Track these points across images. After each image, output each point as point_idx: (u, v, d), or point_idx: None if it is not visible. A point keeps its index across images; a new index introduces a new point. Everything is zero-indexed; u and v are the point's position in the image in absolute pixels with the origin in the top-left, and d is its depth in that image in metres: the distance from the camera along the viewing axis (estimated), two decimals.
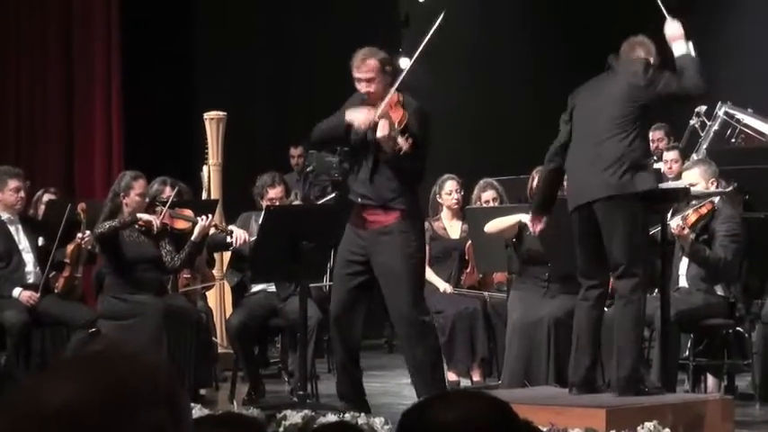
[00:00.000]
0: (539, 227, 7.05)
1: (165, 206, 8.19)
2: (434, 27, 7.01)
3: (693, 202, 7.74)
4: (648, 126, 6.63)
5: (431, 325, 7.18)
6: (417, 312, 6.98)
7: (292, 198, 9.05)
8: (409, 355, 7.01)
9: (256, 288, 8.39)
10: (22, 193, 8.48)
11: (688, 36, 6.60)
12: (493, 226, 8.14)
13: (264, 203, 8.17)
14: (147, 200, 8.20)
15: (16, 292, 8.23)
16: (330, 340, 8.95)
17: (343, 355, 7.12)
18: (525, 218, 7.78)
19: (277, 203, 8.16)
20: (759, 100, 11.04)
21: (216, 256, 9.59)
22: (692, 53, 6.57)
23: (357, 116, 6.87)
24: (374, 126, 6.82)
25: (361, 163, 6.96)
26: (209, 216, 8.25)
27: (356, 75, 6.96)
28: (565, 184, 7.04)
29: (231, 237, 8.32)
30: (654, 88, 6.55)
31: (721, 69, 12.82)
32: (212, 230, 8.48)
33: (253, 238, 8.00)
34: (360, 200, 6.95)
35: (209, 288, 9.65)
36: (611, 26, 13.66)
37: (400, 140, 6.69)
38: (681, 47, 6.60)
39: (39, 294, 8.22)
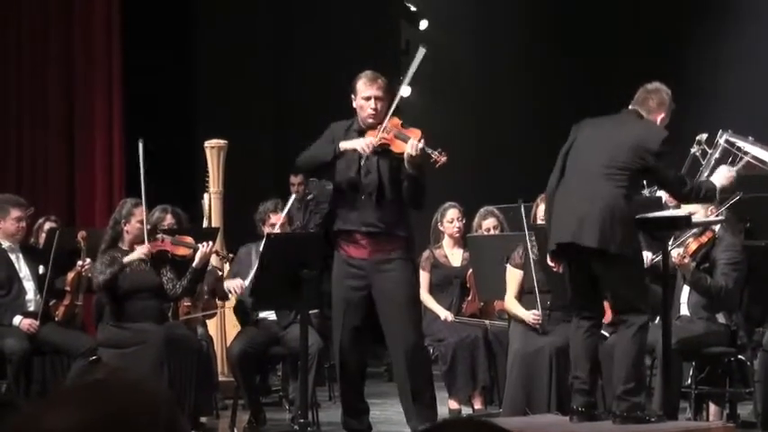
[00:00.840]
0: (561, 266, 7.10)
1: (165, 234, 8.20)
2: (417, 62, 6.99)
3: (694, 231, 7.75)
4: (639, 188, 6.75)
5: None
6: (422, 339, 7.09)
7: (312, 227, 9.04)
8: (410, 381, 6.92)
9: (262, 315, 8.39)
10: (23, 223, 8.48)
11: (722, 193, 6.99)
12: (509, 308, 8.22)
13: (266, 229, 8.16)
14: (148, 227, 8.20)
15: (17, 320, 8.22)
16: (331, 368, 8.94)
17: (354, 395, 7.08)
18: (528, 317, 7.88)
19: (278, 229, 8.16)
20: (762, 112, 11.06)
21: None
22: (717, 193, 6.88)
23: (356, 142, 6.82)
24: (378, 151, 6.81)
25: (357, 192, 6.90)
26: (210, 242, 8.25)
27: (368, 92, 6.91)
28: (542, 210, 7.09)
29: (228, 286, 8.35)
30: (658, 161, 6.60)
31: (726, 80, 12.87)
32: (214, 259, 8.47)
33: (253, 271, 7.99)
34: (363, 228, 6.91)
35: (210, 316, 9.63)
36: (612, 53, 13.78)
37: (434, 154, 6.67)
38: (716, 181, 6.88)
39: (39, 322, 8.21)
